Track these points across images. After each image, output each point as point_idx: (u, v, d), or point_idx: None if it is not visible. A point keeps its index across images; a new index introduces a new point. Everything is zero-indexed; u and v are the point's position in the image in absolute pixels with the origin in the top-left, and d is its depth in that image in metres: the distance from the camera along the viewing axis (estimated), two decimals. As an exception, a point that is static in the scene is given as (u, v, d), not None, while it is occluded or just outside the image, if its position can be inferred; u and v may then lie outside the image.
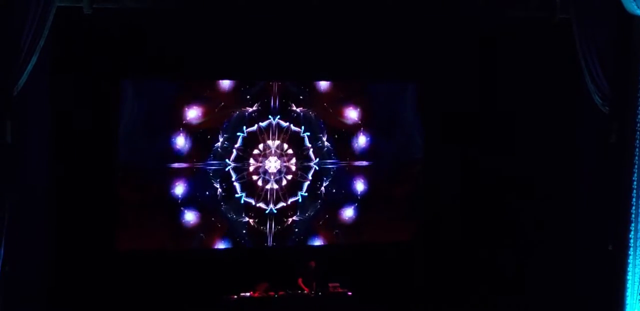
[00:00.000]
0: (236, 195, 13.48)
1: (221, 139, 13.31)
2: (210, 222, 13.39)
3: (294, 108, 13.54)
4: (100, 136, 12.55)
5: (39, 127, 11.71)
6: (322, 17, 12.32)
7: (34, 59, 10.37)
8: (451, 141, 13.65)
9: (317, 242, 13.84)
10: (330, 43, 12.87)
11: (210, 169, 13.31)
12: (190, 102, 13.13)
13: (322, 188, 13.82)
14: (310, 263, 12.82)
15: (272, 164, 13.56)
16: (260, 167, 13.52)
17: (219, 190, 13.38)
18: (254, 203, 13.57)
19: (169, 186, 13.17)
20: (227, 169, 13.38)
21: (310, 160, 13.71)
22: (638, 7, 10.92)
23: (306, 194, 13.77)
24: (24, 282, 11.02)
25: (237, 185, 13.46)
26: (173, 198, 13.19)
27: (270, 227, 13.62)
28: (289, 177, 13.67)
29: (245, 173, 13.50)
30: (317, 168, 13.73)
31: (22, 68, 10.29)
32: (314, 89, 13.67)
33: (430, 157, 13.83)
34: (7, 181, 10.50)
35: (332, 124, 13.76)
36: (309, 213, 13.79)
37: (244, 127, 13.39)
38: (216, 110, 13.25)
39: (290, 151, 13.63)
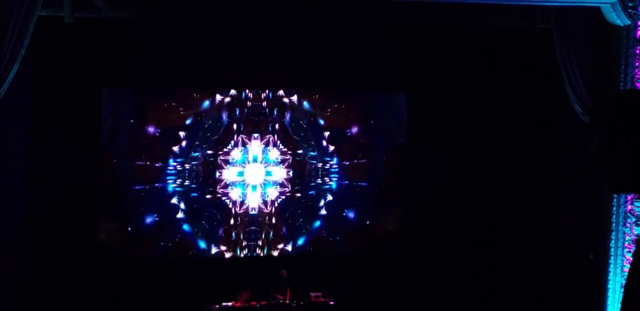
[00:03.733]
0: (218, 198, 13.50)
1: (203, 144, 13.32)
2: (191, 229, 13.39)
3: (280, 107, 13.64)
4: (80, 143, 12.51)
5: (20, 135, 11.74)
6: (314, 27, 12.40)
7: (15, 68, 10.34)
8: (434, 147, 13.65)
9: (301, 250, 13.86)
10: (321, 52, 12.95)
11: (190, 172, 13.30)
12: (173, 110, 13.14)
13: (309, 191, 13.88)
14: (282, 272, 12.79)
15: (257, 165, 13.59)
16: (244, 168, 13.55)
17: (199, 194, 13.40)
18: (236, 207, 13.57)
19: (146, 193, 13.15)
20: (207, 172, 13.39)
21: (295, 160, 13.75)
22: (618, 17, 11.00)
23: (292, 198, 13.79)
24: (3, 276, 11.12)
25: (218, 184, 13.48)
26: (154, 203, 13.23)
27: (253, 233, 13.64)
28: (274, 178, 13.67)
29: (227, 176, 13.51)
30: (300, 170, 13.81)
31: (3, 77, 10.25)
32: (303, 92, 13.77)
33: (413, 163, 13.84)
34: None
35: (322, 123, 13.80)
36: (294, 219, 13.81)
37: (225, 131, 13.43)
38: (197, 116, 13.27)
39: (276, 150, 13.63)
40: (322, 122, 13.76)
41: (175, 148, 13.19)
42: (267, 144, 13.57)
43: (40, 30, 10.86)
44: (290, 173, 13.72)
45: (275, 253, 13.72)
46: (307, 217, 13.83)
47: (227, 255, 13.55)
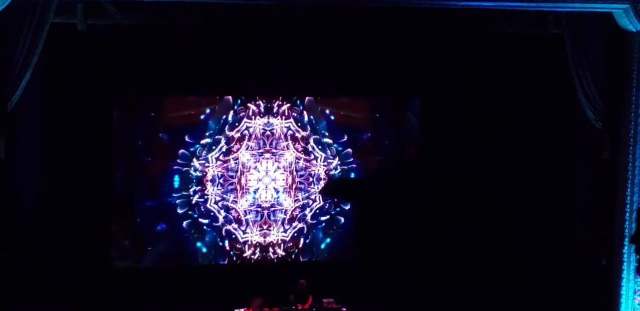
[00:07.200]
0: (229, 204, 13.48)
1: (216, 150, 13.30)
2: (203, 235, 13.40)
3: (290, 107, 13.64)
4: (92, 149, 12.53)
5: (32, 143, 11.77)
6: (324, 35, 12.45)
7: (28, 75, 10.39)
8: (445, 153, 13.63)
9: (314, 257, 13.87)
10: (331, 57, 12.96)
11: (202, 179, 13.31)
12: (186, 116, 13.15)
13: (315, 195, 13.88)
14: (301, 282, 12.75)
15: (269, 170, 13.58)
16: (255, 173, 13.53)
17: (210, 201, 13.38)
18: (247, 213, 13.57)
19: (157, 199, 13.18)
20: (218, 179, 13.40)
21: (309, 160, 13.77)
22: (630, 23, 10.98)
23: (303, 203, 13.78)
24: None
25: (229, 190, 13.47)
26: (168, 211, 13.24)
27: (264, 239, 13.65)
28: (286, 184, 13.67)
29: (236, 180, 13.49)
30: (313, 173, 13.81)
31: (16, 84, 10.30)
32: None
33: (425, 169, 13.81)
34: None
35: (334, 127, 13.80)
36: (306, 225, 13.79)
37: (236, 136, 13.41)
38: (210, 122, 13.27)
39: (287, 155, 13.61)
40: (334, 126, 13.75)
41: (189, 154, 13.20)
42: (279, 148, 13.58)
43: (53, 37, 10.91)
44: (302, 179, 13.73)
45: (288, 259, 13.74)
46: (320, 222, 13.84)
47: (239, 261, 13.56)
